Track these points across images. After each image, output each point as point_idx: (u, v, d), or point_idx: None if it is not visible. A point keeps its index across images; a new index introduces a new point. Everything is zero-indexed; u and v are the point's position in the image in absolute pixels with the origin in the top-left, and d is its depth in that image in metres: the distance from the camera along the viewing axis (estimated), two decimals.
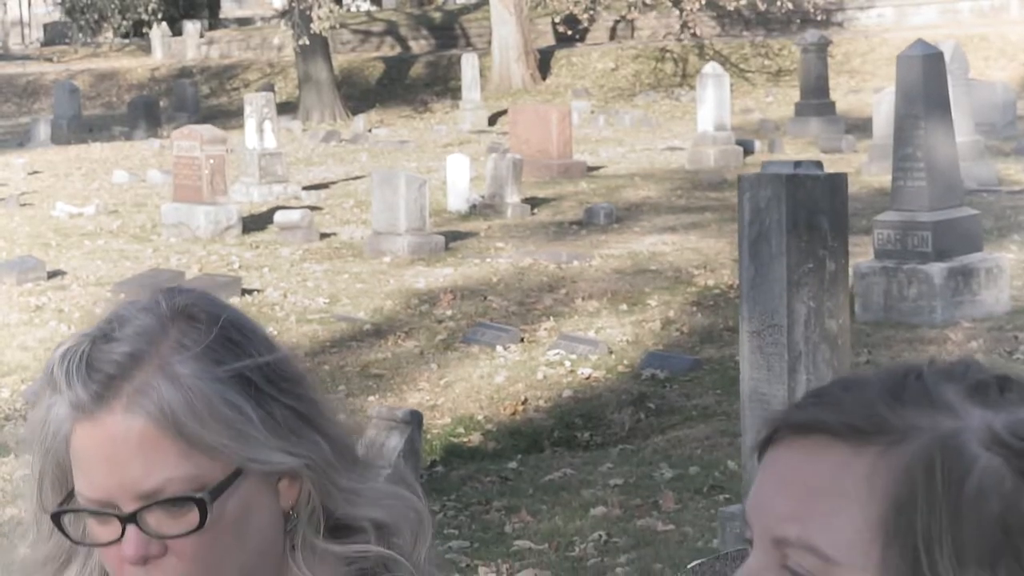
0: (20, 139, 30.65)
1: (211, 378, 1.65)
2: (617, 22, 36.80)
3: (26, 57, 44.56)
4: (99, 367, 1.64)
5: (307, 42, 31.28)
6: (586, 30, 36.30)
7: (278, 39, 34.97)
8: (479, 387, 10.22)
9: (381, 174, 16.38)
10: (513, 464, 8.69)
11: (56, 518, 1.70)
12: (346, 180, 22.23)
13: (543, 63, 34.59)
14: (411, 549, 1.79)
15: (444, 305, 12.65)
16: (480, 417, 9.70)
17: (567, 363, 10.63)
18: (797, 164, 6.27)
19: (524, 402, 9.89)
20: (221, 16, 47.85)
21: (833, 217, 6.03)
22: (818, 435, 1.17)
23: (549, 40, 36.52)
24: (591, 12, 33.74)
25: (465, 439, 9.34)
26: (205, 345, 1.67)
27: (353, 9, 42.15)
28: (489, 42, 34.90)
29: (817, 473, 1.17)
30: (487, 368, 10.62)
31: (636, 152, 24.20)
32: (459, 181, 18.38)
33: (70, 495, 1.70)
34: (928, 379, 1.18)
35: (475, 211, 17.96)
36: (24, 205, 20.46)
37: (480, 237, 16.22)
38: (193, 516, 1.63)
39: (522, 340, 11.37)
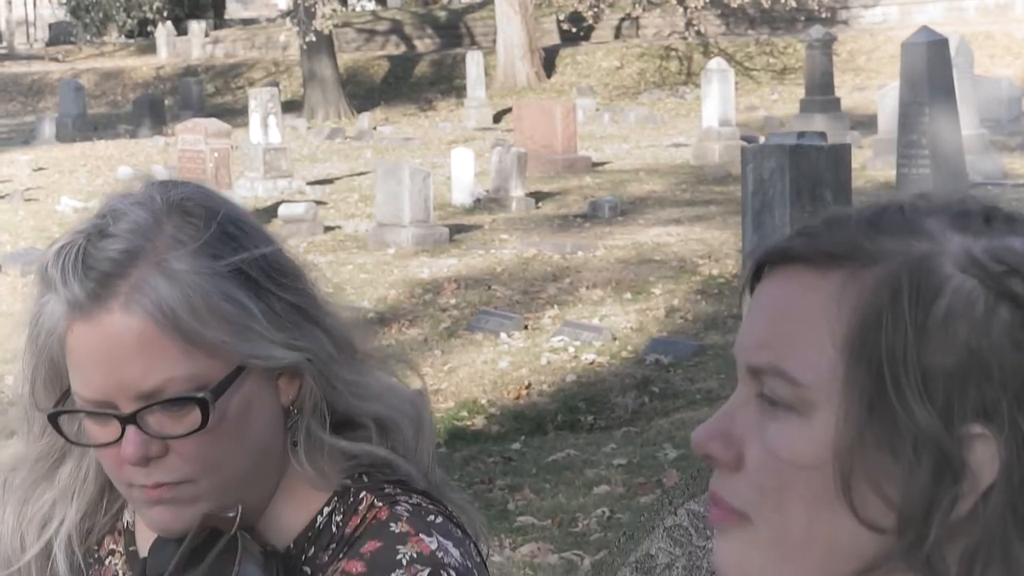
0: (25, 137, 30.67)
1: (209, 273, 1.62)
2: (622, 20, 36.80)
3: (31, 57, 44.60)
4: (95, 265, 1.60)
5: (313, 38, 31.29)
6: (591, 28, 36.29)
7: (284, 37, 34.98)
8: (482, 372, 10.21)
9: (385, 166, 16.39)
10: (516, 445, 8.69)
11: (53, 418, 1.67)
12: (350, 176, 22.23)
13: (548, 61, 34.59)
14: (413, 447, 1.78)
15: (448, 294, 12.64)
16: (483, 401, 9.69)
17: (571, 349, 10.62)
18: (800, 135, 6.25)
19: (527, 386, 9.88)
20: (226, 17, 47.90)
21: (837, 188, 6.02)
22: (793, 265, 1.16)
23: (554, 39, 36.52)
24: (595, 10, 33.72)
25: (468, 422, 9.33)
26: (202, 240, 1.63)
27: (358, 9, 42.16)
28: (494, 41, 34.89)
29: (786, 299, 1.15)
30: (491, 354, 10.61)
31: (641, 148, 24.19)
32: (463, 175, 18.37)
33: (65, 395, 1.67)
34: (910, 210, 1.16)
35: (479, 205, 17.94)
36: (29, 200, 20.47)
37: (484, 229, 16.21)
38: (195, 416, 1.60)
39: (526, 327, 11.36)
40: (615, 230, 15.81)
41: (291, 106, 32.09)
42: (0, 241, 16.78)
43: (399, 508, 1.69)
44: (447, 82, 34.68)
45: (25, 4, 46.91)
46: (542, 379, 10.03)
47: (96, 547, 1.83)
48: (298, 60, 34.57)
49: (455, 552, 1.67)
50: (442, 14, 41.11)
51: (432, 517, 1.70)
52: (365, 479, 1.72)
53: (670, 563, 1.95)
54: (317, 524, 1.71)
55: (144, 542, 1.75)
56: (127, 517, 1.83)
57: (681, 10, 33.59)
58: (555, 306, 12.03)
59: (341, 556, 1.67)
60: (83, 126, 30.61)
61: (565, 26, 36.08)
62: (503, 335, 11.12)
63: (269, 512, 1.73)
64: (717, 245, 14.34)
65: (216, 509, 1.66)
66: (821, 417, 1.11)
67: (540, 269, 13.59)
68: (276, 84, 33.88)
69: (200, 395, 1.59)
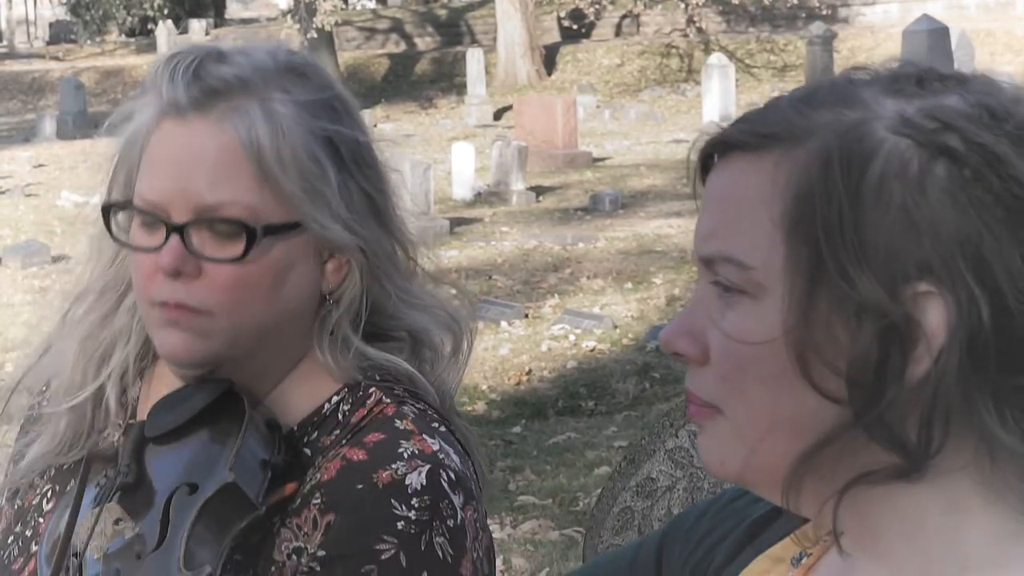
0: (26, 135, 30.65)
1: (305, 128, 1.66)
2: (623, 18, 36.79)
3: (32, 55, 44.63)
4: (204, 77, 1.66)
5: (314, 35, 31.29)
6: (592, 25, 36.29)
7: (284, 35, 35.00)
8: (483, 359, 10.19)
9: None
10: (517, 429, 8.68)
11: (107, 212, 1.70)
12: None
13: (549, 59, 34.57)
14: (443, 365, 1.77)
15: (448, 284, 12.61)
16: (484, 387, 9.68)
17: (571, 337, 10.61)
18: None
19: (528, 373, 9.87)
20: (227, 16, 47.92)
21: None
22: (732, 151, 1.16)
23: (555, 36, 36.50)
24: (596, 7, 33.72)
25: (469, 408, 9.31)
26: (309, 100, 1.68)
27: (359, 7, 42.19)
28: (495, 39, 34.89)
29: (727, 186, 1.16)
30: (491, 342, 10.60)
31: (642, 145, 24.18)
32: (464, 169, 18.36)
33: (128, 203, 1.70)
34: (844, 83, 1.15)
35: (480, 199, 17.94)
36: (29, 196, 20.48)
37: (485, 222, 16.20)
38: (238, 246, 1.63)
39: (526, 316, 11.35)
40: (616, 222, 15.80)
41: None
42: (1, 235, 16.78)
43: (406, 408, 1.70)
44: (448, 80, 34.67)
45: (25, 3, 46.95)
46: (543, 366, 10.02)
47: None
48: None
49: (455, 458, 1.67)
50: (443, 12, 41.11)
51: (436, 424, 1.70)
52: (377, 378, 1.72)
53: (671, 485, 1.94)
54: (324, 410, 1.72)
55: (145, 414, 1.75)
56: (133, 394, 1.83)
57: (682, 7, 33.59)
58: (556, 295, 12.03)
59: (344, 442, 1.67)
60: (83, 124, 30.57)
61: (566, 23, 36.07)
62: (504, 323, 11.11)
63: (279, 391, 1.74)
64: None
65: (229, 362, 1.68)
66: (771, 297, 1.12)
67: (541, 260, 13.58)
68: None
69: (252, 224, 1.63)
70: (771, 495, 1.18)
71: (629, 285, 12.31)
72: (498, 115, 29.92)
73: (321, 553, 1.61)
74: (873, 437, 1.10)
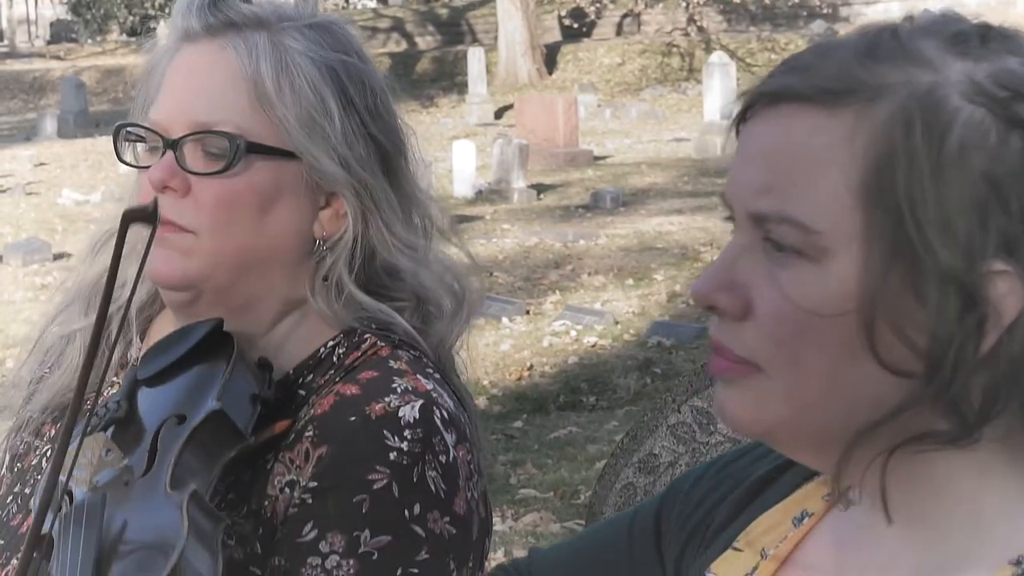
0: (27, 134, 30.64)
1: (312, 62, 1.70)
2: (624, 17, 36.79)
3: (33, 55, 44.62)
4: (223, 9, 1.72)
5: None
6: (592, 25, 36.29)
7: None
8: (484, 355, 10.19)
9: None
10: (518, 424, 8.69)
11: (117, 132, 1.75)
12: None
13: (549, 58, 34.55)
14: (443, 325, 1.77)
15: None
16: (486, 382, 9.68)
17: (573, 333, 10.61)
18: None
19: (530, 368, 9.87)
20: None
21: None
22: (790, 103, 1.12)
23: (556, 36, 36.48)
24: (597, 5, 33.71)
25: None
26: (325, 45, 1.72)
27: (360, 7, 42.19)
28: (495, 38, 34.88)
29: (790, 141, 1.11)
30: (492, 337, 10.60)
31: (643, 143, 24.17)
32: (465, 167, 18.34)
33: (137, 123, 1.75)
34: (903, 35, 1.13)
35: (481, 196, 17.93)
36: (30, 194, 20.47)
37: (486, 220, 16.19)
38: (223, 163, 1.66)
39: (527, 312, 11.35)
40: (617, 220, 15.79)
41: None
42: (1, 233, 16.78)
43: (400, 352, 1.71)
44: (449, 79, 34.65)
45: (26, 2, 46.95)
46: (544, 361, 10.02)
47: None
48: None
49: (449, 401, 1.67)
50: (443, 11, 41.10)
51: (430, 370, 1.71)
52: (374, 326, 1.73)
53: (673, 461, 1.93)
54: (319, 354, 1.73)
55: None
56: (133, 354, 1.84)
57: (683, 6, 33.59)
58: (557, 292, 12.02)
59: (338, 380, 1.68)
60: (84, 123, 30.59)
61: (567, 22, 36.06)
62: (504, 319, 11.11)
63: (275, 336, 1.75)
64: (719, 233, 14.30)
65: (211, 290, 1.69)
66: (839, 264, 1.08)
67: (542, 257, 13.58)
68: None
69: (235, 135, 1.66)
70: (801, 453, 1.16)
71: (630, 281, 12.31)
72: (499, 114, 29.90)
73: (313, 484, 1.62)
74: (936, 409, 1.09)
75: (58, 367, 1.87)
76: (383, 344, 1.71)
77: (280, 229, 1.70)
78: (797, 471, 1.28)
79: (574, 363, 9.94)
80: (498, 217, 16.34)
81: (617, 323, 10.85)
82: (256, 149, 1.67)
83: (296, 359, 1.73)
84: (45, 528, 1.47)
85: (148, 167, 1.70)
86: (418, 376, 1.67)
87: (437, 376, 1.71)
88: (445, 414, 1.64)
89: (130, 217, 1.44)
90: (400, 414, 1.62)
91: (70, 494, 1.53)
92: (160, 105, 1.72)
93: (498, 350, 10.30)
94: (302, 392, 1.70)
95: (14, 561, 1.77)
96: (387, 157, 1.73)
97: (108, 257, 1.84)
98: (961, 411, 1.09)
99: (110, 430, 1.61)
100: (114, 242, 1.46)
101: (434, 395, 1.65)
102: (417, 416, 1.62)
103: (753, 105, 1.16)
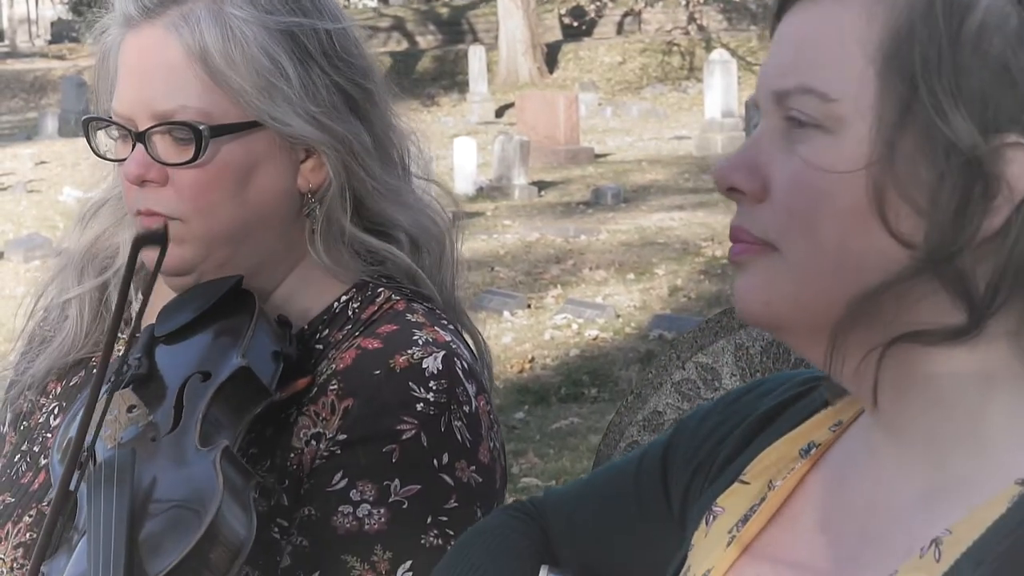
0: (28, 133, 30.68)
1: (259, 26, 1.67)
2: (624, 16, 36.80)
3: (34, 54, 44.64)
4: None
5: None
6: (593, 23, 36.29)
7: None
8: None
9: None
10: (520, 415, 8.68)
11: (86, 126, 1.75)
12: None
13: (550, 57, 34.56)
14: (436, 269, 1.78)
15: None
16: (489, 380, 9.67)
17: (574, 326, 10.61)
18: None
19: (531, 361, 9.87)
20: None
21: None
22: None
23: (556, 35, 36.49)
24: (598, 4, 33.72)
25: None
26: (272, 1, 1.69)
27: (361, 6, 42.20)
28: (496, 37, 34.87)
29: (813, 22, 1.14)
30: (494, 331, 10.59)
31: (643, 141, 24.17)
32: (466, 164, 18.34)
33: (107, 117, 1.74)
34: None
35: (482, 193, 17.93)
36: (31, 192, 20.49)
37: (487, 216, 16.19)
38: (193, 149, 1.65)
39: (529, 306, 11.35)
40: (618, 216, 15.79)
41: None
42: (3, 230, 16.79)
43: (415, 304, 1.71)
44: (449, 78, 34.65)
45: (27, 2, 46.95)
46: (545, 354, 10.02)
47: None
48: None
49: (466, 352, 1.68)
50: (444, 10, 41.09)
51: (445, 322, 1.71)
52: (385, 280, 1.73)
53: (678, 418, 1.94)
54: (334, 308, 1.75)
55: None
56: (134, 308, 1.84)
57: (683, 5, 33.59)
58: (558, 286, 12.02)
59: (357, 334, 1.69)
60: None
61: (567, 21, 36.06)
62: (506, 313, 11.11)
63: (282, 293, 1.76)
64: (720, 228, 14.30)
65: (211, 268, 1.70)
66: (853, 131, 1.10)
67: (543, 252, 13.58)
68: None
69: (198, 125, 1.64)
70: (809, 345, 1.16)
71: (631, 276, 12.31)
72: (500, 112, 29.90)
73: (342, 437, 1.63)
74: (941, 282, 1.09)
75: (59, 332, 1.87)
76: (398, 297, 1.72)
77: (265, 196, 1.69)
78: (804, 404, 1.29)
79: (575, 356, 9.93)
80: (499, 213, 16.34)
81: (618, 316, 10.85)
82: (222, 131, 1.65)
83: (309, 315, 1.74)
84: (71, 486, 1.47)
85: (123, 159, 1.69)
86: (436, 328, 1.68)
87: (452, 327, 1.72)
88: (465, 365, 1.67)
89: (141, 242, 1.48)
90: (424, 365, 1.63)
91: (93, 452, 1.53)
92: (119, 96, 1.70)
93: (500, 343, 10.29)
94: (319, 347, 1.71)
95: (26, 517, 1.77)
96: (355, 101, 1.71)
97: (98, 226, 1.85)
98: (969, 291, 1.09)
99: (131, 387, 1.61)
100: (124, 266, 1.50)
101: (453, 346, 1.67)
102: (441, 367, 1.63)
103: (783, 3, 1.18)
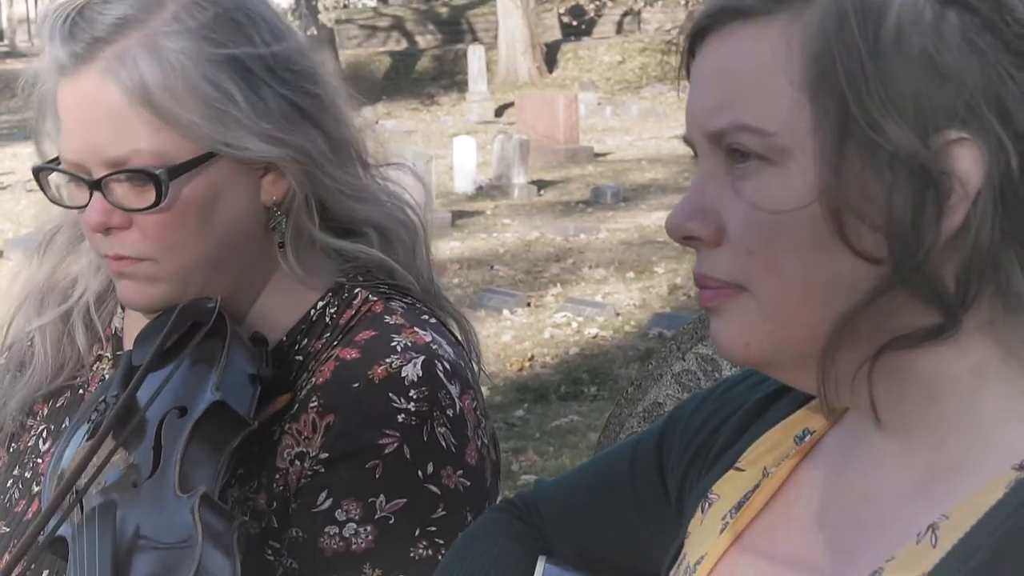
0: (27, 132, 30.67)
1: (199, 56, 1.62)
2: (624, 15, 36.81)
3: (33, 54, 44.63)
4: (86, 27, 1.63)
5: (315, 32, 31.30)
6: (592, 23, 36.30)
7: None
8: (486, 345, 9.98)
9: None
10: (520, 412, 8.68)
11: (37, 174, 1.71)
12: None
13: (550, 57, 34.57)
14: (411, 255, 1.77)
15: (450, 274, 12.61)
16: (487, 372, 9.67)
17: (574, 324, 10.61)
18: None
19: (531, 359, 9.87)
20: None
21: None
22: (729, 25, 1.13)
23: (556, 34, 36.50)
24: (597, 3, 33.73)
25: None
26: (202, 22, 1.63)
27: (360, 5, 42.22)
28: (496, 36, 34.89)
29: (733, 57, 1.13)
30: (493, 329, 10.60)
31: (643, 140, 24.17)
32: (466, 163, 18.35)
33: (57, 159, 1.69)
34: None
35: (482, 192, 17.93)
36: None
37: (487, 215, 16.20)
38: (153, 192, 1.61)
39: (528, 305, 11.35)
40: (617, 214, 15.80)
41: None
42: (2, 229, 16.81)
43: (394, 304, 1.70)
44: (449, 77, 34.66)
45: (26, 2, 46.95)
46: (545, 352, 10.02)
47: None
48: None
49: (449, 349, 1.67)
50: (444, 10, 41.10)
51: (426, 317, 1.70)
52: (360, 279, 1.71)
53: None
54: (311, 316, 1.72)
55: (131, 344, 1.75)
56: (116, 323, 1.83)
57: (683, 4, 33.58)
58: (558, 285, 12.02)
59: (335, 343, 1.67)
60: None
61: (566, 20, 36.07)
62: (506, 311, 11.11)
63: (258, 308, 1.73)
64: None
65: (190, 298, 1.67)
66: (796, 161, 1.10)
67: (543, 250, 13.58)
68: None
69: (155, 171, 1.60)
70: (799, 376, 1.16)
71: (631, 274, 12.31)
72: (499, 112, 29.91)
73: (324, 455, 1.61)
74: (912, 290, 1.09)
75: (28, 367, 1.85)
76: (375, 298, 1.70)
77: (231, 220, 1.66)
78: (798, 392, 1.28)
79: (575, 354, 9.93)
80: (499, 212, 16.34)
81: (618, 315, 10.85)
82: (179, 171, 1.61)
83: (286, 325, 1.72)
84: (59, 532, 1.47)
85: (82, 206, 1.65)
86: (415, 329, 1.66)
87: (433, 321, 1.70)
88: (447, 365, 1.64)
89: (188, 312, 1.51)
90: (403, 374, 1.61)
91: (80, 496, 1.53)
92: (66, 145, 1.65)
93: (499, 341, 10.29)
94: (299, 357, 1.69)
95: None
96: (305, 109, 1.68)
97: (54, 256, 1.83)
98: (940, 293, 1.09)
99: (111, 432, 1.58)
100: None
101: (433, 347, 1.64)
102: (420, 374, 1.62)
103: (694, 39, 1.17)
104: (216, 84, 1.62)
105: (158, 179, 1.60)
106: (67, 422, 1.81)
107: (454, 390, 1.63)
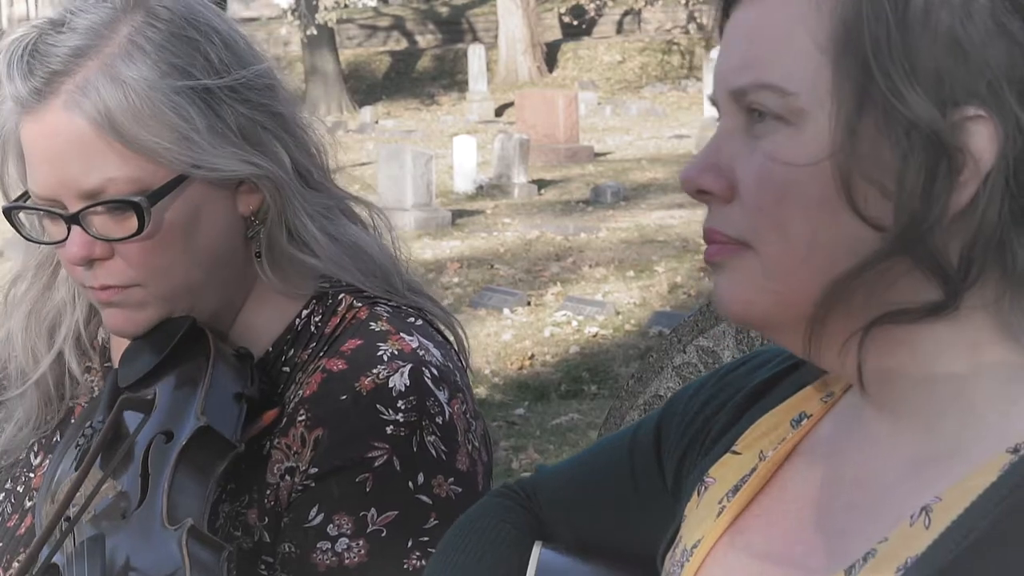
0: None
1: (158, 80, 1.60)
2: (624, 15, 36.80)
3: None
4: (43, 61, 1.60)
5: (315, 32, 31.29)
6: (593, 22, 36.30)
7: (285, 31, 34.96)
8: (486, 344, 10.20)
9: (387, 149, 16.39)
10: (520, 411, 8.69)
11: (8, 213, 1.67)
12: (352, 166, 22.10)
13: (550, 56, 34.57)
14: (388, 260, 1.77)
15: (451, 273, 12.63)
16: (487, 371, 9.69)
17: (574, 323, 10.63)
18: None
19: (531, 357, 9.88)
20: (228, 15, 47.85)
21: None
22: None
23: (556, 34, 36.50)
24: (597, 3, 33.72)
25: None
26: (158, 44, 1.62)
27: (360, 5, 42.20)
28: (496, 36, 34.88)
29: (762, 18, 1.14)
30: (494, 328, 10.62)
31: (643, 140, 24.17)
32: (466, 162, 18.36)
33: (26, 193, 1.67)
34: None
35: (482, 191, 17.94)
36: None
37: (487, 214, 16.21)
38: (134, 220, 1.60)
39: (529, 304, 11.36)
40: (618, 214, 15.80)
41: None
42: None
43: (379, 309, 1.69)
44: (449, 77, 34.66)
45: (27, 2, 46.94)
46: (545, 351, 10.03)
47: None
48: (299, 55, 34.58)
49: (436, 352, 1.66)
50: (444, 9, 41.08)
51: (412, 319, 1.69)
52: (344, 284, 1.71)
53: None
54: (296, 326, 1.70)
55: (118, 356, 1.74)
56: (103, 335, 1.82)
57: (683, 4, 33.59)
58: (558, 284, 12.03)
59: (322, 354, 1.66)
60: None
61: (567, 20, 36.06)
62: (506, 310, 11.12)
63: (242, 321, 1.72)
64: None
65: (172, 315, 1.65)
66: (813, 122, 1.11)
67: (543, 249, 13.58)
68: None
69: (136, 199, 1.59)
70: (793, 338, 1.17)
71: (631, 273, 12.31)
72: (499, 112, 29.90)
73: (314, 470, 1.61)
74: (914, 261, 1.10)
75: (7, 420, 1.84)
76: (360, 304, 1.69)
77: (213, 237, 1.65)
78: (796, 376, 1.29)
79: (575, 352, 9.94)
80: (499, 211, 16.35)
81: (618, 313, 10.86)
82: (159, 196, 1.60)
83: (272, 336, 1.71)
84: (53, 560, 1.48)
85: (60, 241, 1.64)
86: (402, 335, 1.65)
87: (419, 323, 1.69)
88: (434, 371, 1.63)
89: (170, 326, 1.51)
90: (391, 384, 1.61)
91: (69, 519, 1.53)
92: (37, 181, 1.63)
93: (499, 340, 10.31)
94: (286, 369, 1.69)
95: (15, 563, 1.74)
96: (264, 121, 1.66)
97: (28, 303, 1.80)
98: (942, 267, 1.10)
99: (100, 458, 1.58)
100: None
101: (420, 353, 1.64)
102: (408, 383, 1.61)
103: (728, 1, 1.19)
104: (177, 106, 1.60)
105: (139, 207, 1.59)
106: (58, 436, 1.80)
107: (442, 396, 1.63)
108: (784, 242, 1.13)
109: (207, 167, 1.62)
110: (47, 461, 1.77)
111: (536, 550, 1.38)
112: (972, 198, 1.09)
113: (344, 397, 1.61)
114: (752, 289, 1.15)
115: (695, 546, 1.24)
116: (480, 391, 9.34)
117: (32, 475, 1.81)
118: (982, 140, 1.09)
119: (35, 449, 1.83)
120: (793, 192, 1.12)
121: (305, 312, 1.71)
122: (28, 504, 1.78)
